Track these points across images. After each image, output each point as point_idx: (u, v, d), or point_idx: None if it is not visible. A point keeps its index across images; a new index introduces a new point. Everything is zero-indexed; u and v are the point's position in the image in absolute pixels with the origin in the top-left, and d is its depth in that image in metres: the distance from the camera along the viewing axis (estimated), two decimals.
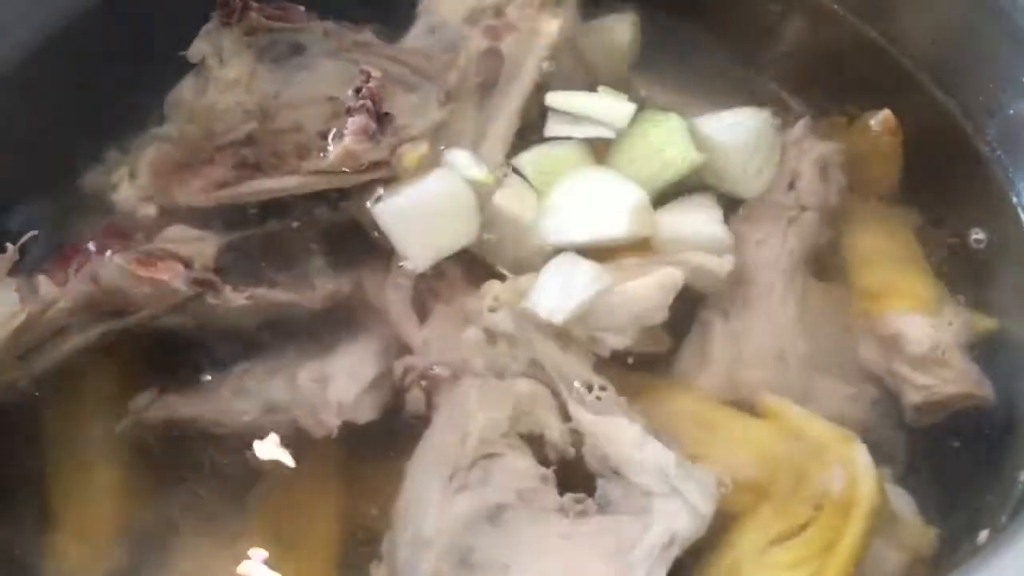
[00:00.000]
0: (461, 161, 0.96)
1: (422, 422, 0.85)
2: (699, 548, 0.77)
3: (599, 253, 0.92)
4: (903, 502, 0.83)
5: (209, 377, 0.89)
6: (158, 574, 0.82)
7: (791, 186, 0.98)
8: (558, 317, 0.84)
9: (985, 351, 0.92)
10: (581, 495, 0.80)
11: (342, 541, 0.84)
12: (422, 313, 0.91)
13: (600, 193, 0.96)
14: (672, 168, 0.97)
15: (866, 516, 0.78)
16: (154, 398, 0.87)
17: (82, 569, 0.82)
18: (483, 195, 0.95)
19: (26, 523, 0.84)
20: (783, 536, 0.79)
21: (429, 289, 0.92)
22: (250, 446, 0.86)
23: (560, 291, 0.86)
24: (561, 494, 0.80)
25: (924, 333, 0.90)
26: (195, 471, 0.86)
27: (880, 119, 1.04)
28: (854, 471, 0.80)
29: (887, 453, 0.80)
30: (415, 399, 0.86)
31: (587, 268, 0.88)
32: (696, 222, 0.97)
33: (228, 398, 0.88)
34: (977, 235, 0.99)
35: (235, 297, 0.87)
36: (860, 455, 0.80)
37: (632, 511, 0.78)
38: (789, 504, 0.81)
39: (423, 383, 0.86)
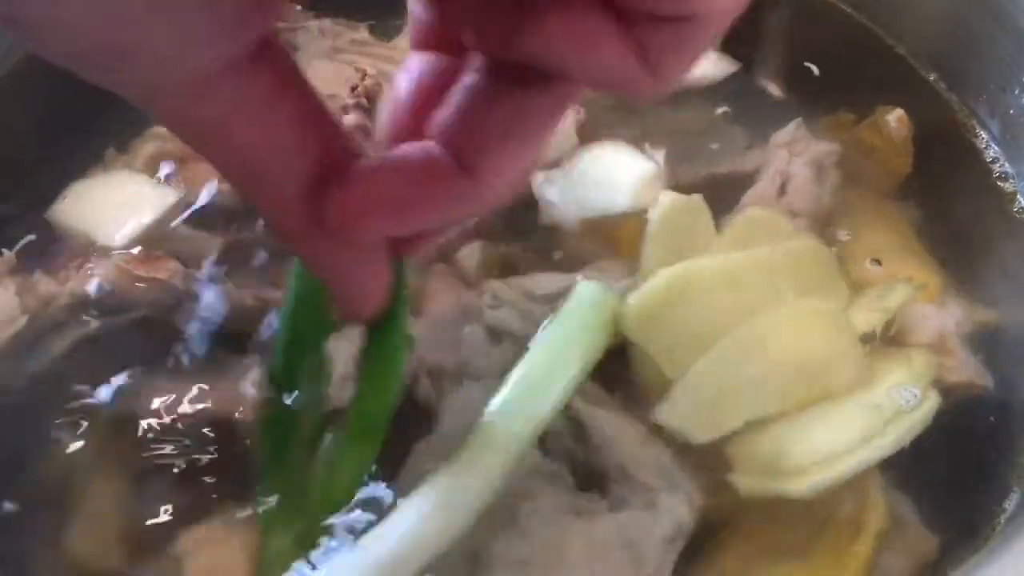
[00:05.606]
0: None
1: (424, 417, 0.84)
2: (690, 559, 0.77)
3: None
4: (904, 507, 0.82)
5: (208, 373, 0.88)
6: (159, 571, 0.82)
7: (782, 191, 0.97)
8: None
9: (983, 344, 0.92)
10: (593, 495, 0.80)
11: None
12: (417, 310, 0.90)
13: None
14: None
15: (872, 539, 0.78)
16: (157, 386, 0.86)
17: (84, 566, 0.82)
18: None
19: (27, 522, 0.84)
20: (780, 549, 0.79)
21: (421, 286, 0.92)
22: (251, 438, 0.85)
23: None
24: (572, 493, 0.80)
25: (932, 322, 0.91)
26: (196, 466, 0.85)
27: (895, 116, 1.04)
28: (865, 496, 0.80)
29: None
30: (424, 388, 0.85)
31: None
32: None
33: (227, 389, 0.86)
34: (977, 232, 1.00)
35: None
36: (872, 478, 0.81)
37: (640, 507, 0.78)
38: (790, 517, 0.80)
39: (428, 376, 0.86)
